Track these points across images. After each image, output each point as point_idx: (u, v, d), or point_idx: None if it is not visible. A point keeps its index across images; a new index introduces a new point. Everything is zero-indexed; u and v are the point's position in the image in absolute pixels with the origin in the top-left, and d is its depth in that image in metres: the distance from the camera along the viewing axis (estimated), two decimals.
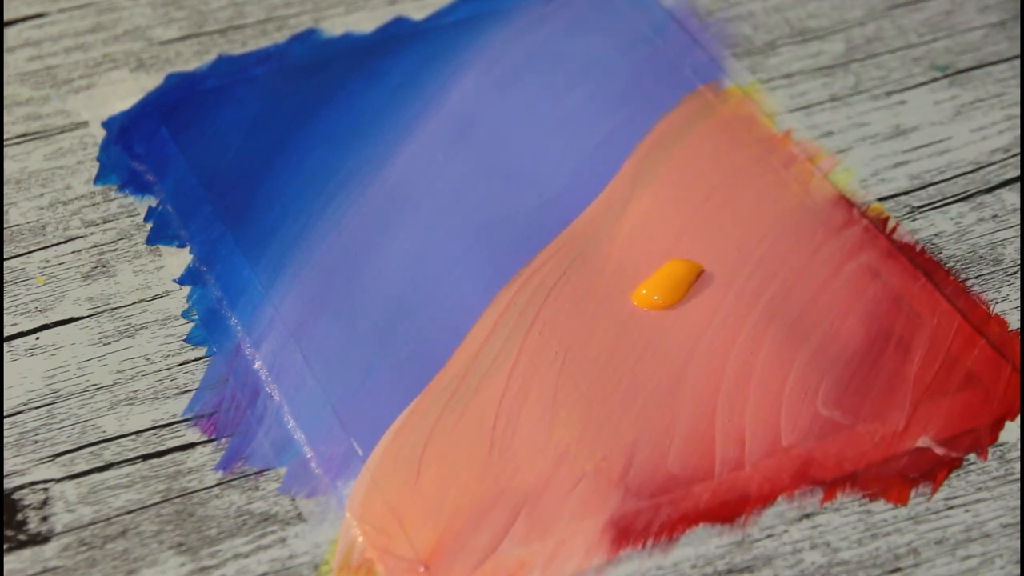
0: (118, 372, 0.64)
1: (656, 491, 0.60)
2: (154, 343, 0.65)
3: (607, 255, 0.68)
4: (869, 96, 0.74)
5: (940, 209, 0.70)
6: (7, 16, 0.79)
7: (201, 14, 0.79)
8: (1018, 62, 0.76)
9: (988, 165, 0.71)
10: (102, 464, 0.61)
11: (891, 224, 0.69)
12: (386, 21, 0.78)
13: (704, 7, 0.79)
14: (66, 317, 0.66)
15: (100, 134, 0.73)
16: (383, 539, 0.59)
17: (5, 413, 0.62)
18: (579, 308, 0.66)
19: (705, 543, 0.59)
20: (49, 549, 0.59)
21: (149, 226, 0.69)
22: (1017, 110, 0.74)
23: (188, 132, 0.73)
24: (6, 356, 0.64)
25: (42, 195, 0.71)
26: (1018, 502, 0.60)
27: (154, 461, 0.61)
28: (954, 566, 0.58)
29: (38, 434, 0.62)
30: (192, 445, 0.62)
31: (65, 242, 0.69)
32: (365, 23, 0.78)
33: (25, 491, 0.60)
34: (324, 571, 0.58)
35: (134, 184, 0.71)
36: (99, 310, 0.66)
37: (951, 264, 0.67)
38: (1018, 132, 0.73)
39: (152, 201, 0.70)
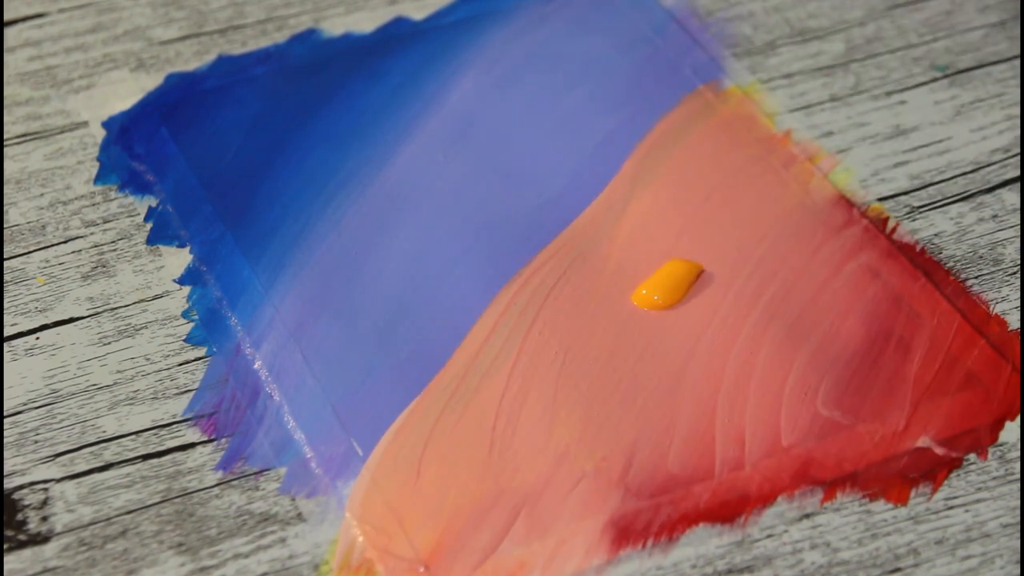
0: (118, 372, 0.64)
1: (656, 491, 0.60)
2: (154, 343, 0.65)
3: (607, 255, 0.68)
4: (869, 96, 0.74)
5: (940, 209, 0.70)
6: (7, 16, 0.79)
7: (201, 14, 0.79)
8: (1018, 62, 0.76)
9: (988, 165, 0.71)
10: (102, 464, 0.61)
11: (891, 224, 0.69)
12: (386, 21, 0.78)
13: (704, 7, 0.79)
14: (66, 317, 0.66)
15: (100, 134, 0.73)
16: (383, 539, 0.59)
17: (5, 413, 0.62)
18: (579, 308, 0.66)
19: (705, 543, 0.59)
20: (49, 549, 0.59)
21: (149, 226, 0.69)
22: (1017, 110, 0.73)
23: (188, 132, 0.73)
24: (6, 356, 0.64)
25: (42, 195, 0.71)
26: (1018, 502, 0.60)
27: (154, 461, 0.61)
28: (954, 566, 0.58)
29: (38, 434, 0.62)
30: (192, 445, 0.62)
31: (65, 242, 0.69)
32: (365, 23, 0.78)
33: (25, 491, 0.60)
34: (324, 571, 0.58)
35: (134, 184, 0.71)
36: (99, 310, 0.66)
37: (951, 264, 0.67)
38: (1018, 132, 0.73)
39: (152, 201, 0.70)
